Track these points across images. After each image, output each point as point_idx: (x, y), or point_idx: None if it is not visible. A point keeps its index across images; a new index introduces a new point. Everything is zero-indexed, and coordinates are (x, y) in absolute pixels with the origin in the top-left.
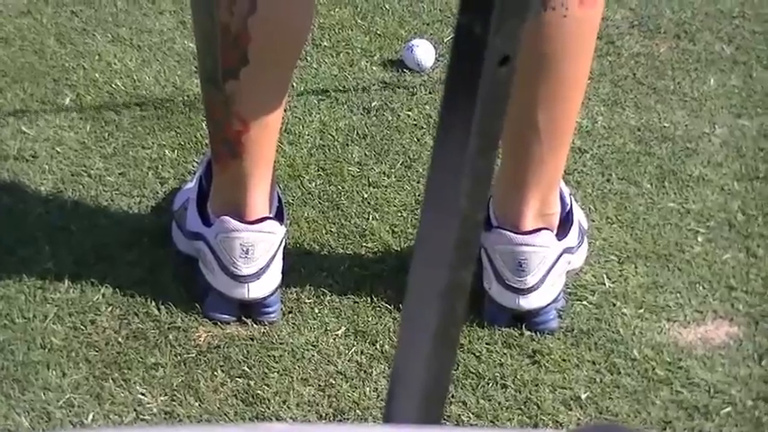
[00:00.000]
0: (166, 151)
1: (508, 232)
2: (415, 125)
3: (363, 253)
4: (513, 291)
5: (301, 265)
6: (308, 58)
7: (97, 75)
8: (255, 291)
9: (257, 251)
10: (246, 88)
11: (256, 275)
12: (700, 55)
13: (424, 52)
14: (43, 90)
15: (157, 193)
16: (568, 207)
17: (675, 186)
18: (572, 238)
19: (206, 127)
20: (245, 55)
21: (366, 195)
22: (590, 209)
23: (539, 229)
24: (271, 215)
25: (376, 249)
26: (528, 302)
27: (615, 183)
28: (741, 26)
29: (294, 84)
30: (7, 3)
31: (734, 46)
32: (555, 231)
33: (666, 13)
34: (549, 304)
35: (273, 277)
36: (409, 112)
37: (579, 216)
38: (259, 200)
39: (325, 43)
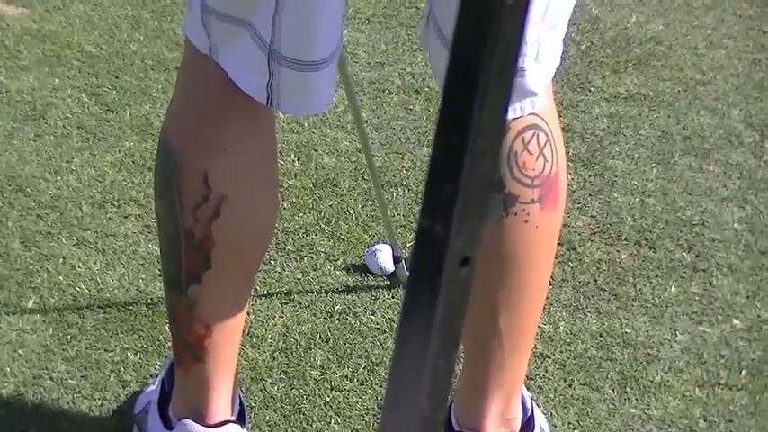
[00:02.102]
0: (129, 354)
1: None
2: (378, 329)
3: None
4: None
5: None
6: (272, 262)
7: (61, 278)
8: None
9: None
10: (209, 292)
11: None
12: (660, 262)
13: (387, 257)
14: (6, 293)
15: (119, 396)
16: (530, 412)
17: (637, 392)
18: None
19: (169, 330)
20: (208, 259)
21: (328, 399)
22: (552, 414)
23: None
24: (232, 418)
25: None
26: None
27: (577, 388)
28: (701, 234)
29: (257, 287)
30: None
31: (694, 253)
32: None
33: (627, 221)
34: None
35: None
36: (372, 316)
37: (541, 421)
38: (221, 403)
39: (289, 247)
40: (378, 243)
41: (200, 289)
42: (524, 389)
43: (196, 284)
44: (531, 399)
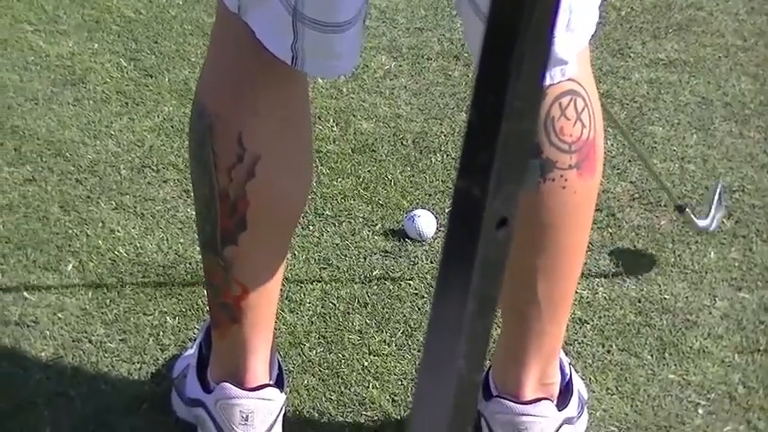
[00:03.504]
0: (168, 318)
1: (508, 401)
2: (416, 294)
3: (363, 422)
4: None
5: None
6: (311, 227)
7: (100, 242)
8: None
9: (257, 418)
10: (245, 253)
11: None
12: None
13: (426, 222)
14: (46, 257)
15: (158, 359)
16: (568, 377)
17: (676, 358)
18: (572, 408)
19: (206, 293)
20: (243, 220)
21: (366, 364)
22: (590, 379)
23: (539, 399)
24: (271, 382)
25: (376, 418)
26: None
27: (615, 354)
28: (741, 200)
29: (296, 252)
30: (12, 171)
31: (734, 220)
32: (555, 401)
33: (667, 187)
34: None
35: None
36: (410, 282)
37: (579, 386)
38: (259, 366)
39: (328, 212)
40: (416, 209)
41: (236, 250)
42: (563, 354)
43: (232, 246)
44: (570, 363)
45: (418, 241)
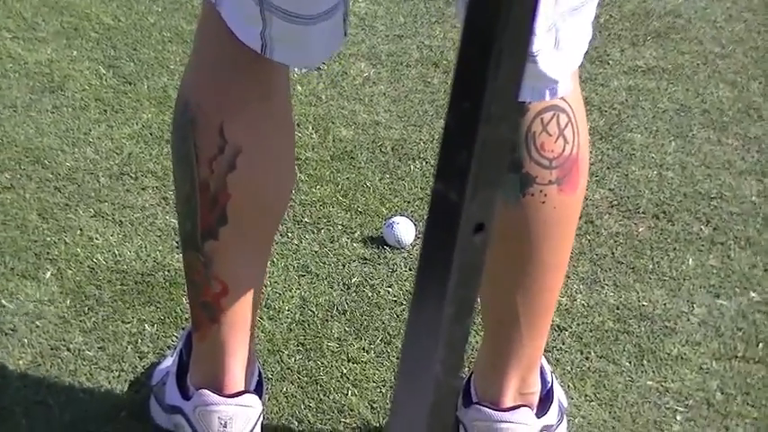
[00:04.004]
0: (146, 326)
1: (487, 409)
2: (395, 301)
3: (342, 429)
4: None
5: None
6: (290, 234)
7: (79, 249)
8: None
9: (235, 425)
10: (225, 249)
11: None
12: (678, 235)
13: (404, 229)
14: (24, 264)
15: (136, 367)
16: (549, 384)
17: (654, 365)
18: (551, 415)
19: (186, 300)
20: (224, 214)
21: (345, 371)
22: (569, 386)
23: (518, 406)
24: (250, 389)
25: (354, 425)
26: None
27: (594, 361)
28: (719, 207)
29: (275, 259)
30: None
31: (712, 227)
32: (534, 409)
33: (645, 194)
34: None
35: None
36: (389, 289)
37: (560, 394)
38: (238, 372)
39: (307, 220)
40: (395, 216)
41: (217, 245)
42: (544, 361)
43: (212, 240)
44: (551, 371)
45: (397, 248)
